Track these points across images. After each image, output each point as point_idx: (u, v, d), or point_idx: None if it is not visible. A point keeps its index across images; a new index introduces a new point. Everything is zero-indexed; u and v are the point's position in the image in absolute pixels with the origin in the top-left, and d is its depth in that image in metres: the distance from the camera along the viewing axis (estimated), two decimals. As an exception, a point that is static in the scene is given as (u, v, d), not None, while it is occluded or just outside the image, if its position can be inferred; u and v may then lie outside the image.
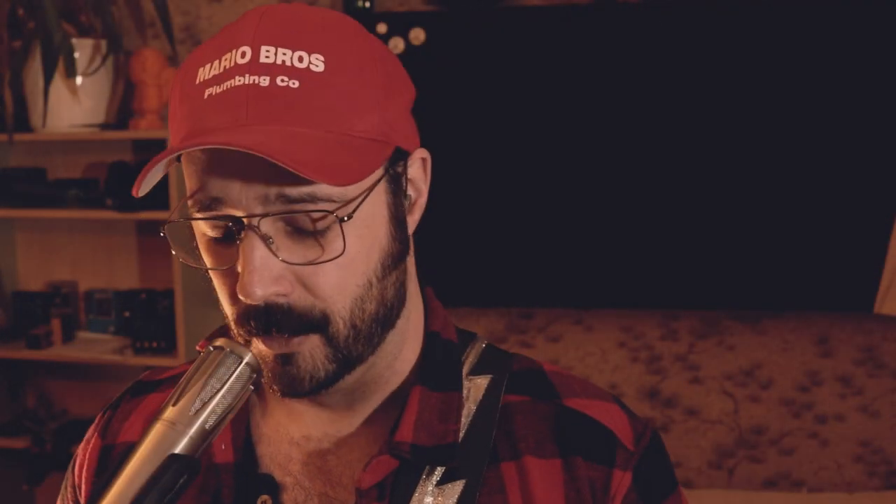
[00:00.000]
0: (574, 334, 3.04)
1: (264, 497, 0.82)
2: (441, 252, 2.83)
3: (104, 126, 2.96)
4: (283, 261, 0.72)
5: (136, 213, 2.84)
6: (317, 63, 0.73)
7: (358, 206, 0.73)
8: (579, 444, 0.82)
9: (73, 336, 3.16)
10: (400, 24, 2.85)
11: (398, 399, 0.83)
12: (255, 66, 0.72)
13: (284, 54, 0.72)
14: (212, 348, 0.73)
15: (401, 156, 0.79)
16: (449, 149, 2.99)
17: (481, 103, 2.86)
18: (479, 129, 2.86)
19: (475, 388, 0.85)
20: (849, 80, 2.68)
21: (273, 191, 0.71)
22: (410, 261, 0.84)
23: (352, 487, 0.80)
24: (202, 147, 0.70)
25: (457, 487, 0.79)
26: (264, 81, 0.72)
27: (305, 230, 0.73)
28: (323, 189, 0.71)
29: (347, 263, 0.74)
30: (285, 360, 0.75)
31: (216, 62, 0.74)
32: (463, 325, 0.91)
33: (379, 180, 0.76)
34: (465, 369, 0.86)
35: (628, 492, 0.81)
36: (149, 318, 3.04)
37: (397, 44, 2.84)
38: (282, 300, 0.73)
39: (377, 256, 0.76)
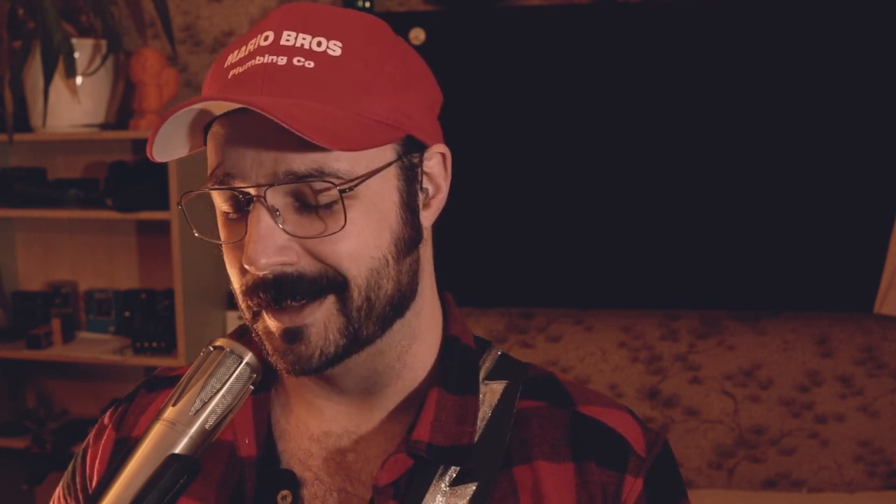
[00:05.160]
0: (574, 334, 3.04)
1: (284, 492, 0.82)
2: (441, 252, 2.82)
3: (104, 126, 2.96)
4: (287, 232, 0.74)
5: (136, 213, 2.84)
6: (334, 48, 0.76)
7: (361, 182, 0.74)
8: (593, 450, 0.83)
9: (73, 336, 3.16)
10: (400, 24, 2.85)
11: (416, 399, 0.84)
12: (275, 48, 0.75)
13: (304, 39, 0.76)
14: (212, 348, 0.73)
15: (416, 147, 0.80)
16: (449, 149, 2.98)
17: (481, 103, 2.86)
18: (479, 130, 2.86)
19: (491, 392, 0.86)
20: (849, 80, 2.68)
21: (282, 167, 0.73)
22: (426, 257, 0.85)
23: (370, 484, 0.81)
24: (202, 102, 0.73)
25: (469, 489, 0.80)
26: (282, 61, 0.75)
27: (312, 205, 0.74)
28: (330, 165, 0.73)
29: (357, 233, 0.75)
30: (293, 336, 0.76)
31: (243, 47, 0.78)
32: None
33: (390, 164, 0.77)
34: (482, 374, 0.87)
35: (639, 498, 0.82)
36: (149, 318, 3.04)
37: (397, 44, 2.84)
38: (290, 269, 0.75)
39: (388, 236, 0.77)
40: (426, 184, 0.82)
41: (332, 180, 0.73)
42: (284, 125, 0.69)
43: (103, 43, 2.86)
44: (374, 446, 0.84)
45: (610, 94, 2.81)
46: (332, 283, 0.75)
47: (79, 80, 2.85)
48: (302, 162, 0.73)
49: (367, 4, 2.89)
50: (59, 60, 2.75)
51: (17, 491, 3.22)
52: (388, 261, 0.77)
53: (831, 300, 2.80)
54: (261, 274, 0.75)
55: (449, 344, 0.86)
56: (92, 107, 2.92)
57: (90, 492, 0.89)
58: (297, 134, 0.69)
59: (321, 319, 0.76)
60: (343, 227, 0.74)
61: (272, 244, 0.73)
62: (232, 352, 0.73)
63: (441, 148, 0.83)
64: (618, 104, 2.81)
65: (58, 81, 2.80)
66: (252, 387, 0.74)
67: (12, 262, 3.34)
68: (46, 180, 3.17)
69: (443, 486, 0.80)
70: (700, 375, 2.98)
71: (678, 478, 0.87)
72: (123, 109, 3.07)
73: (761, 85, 2.72)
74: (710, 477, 3.01)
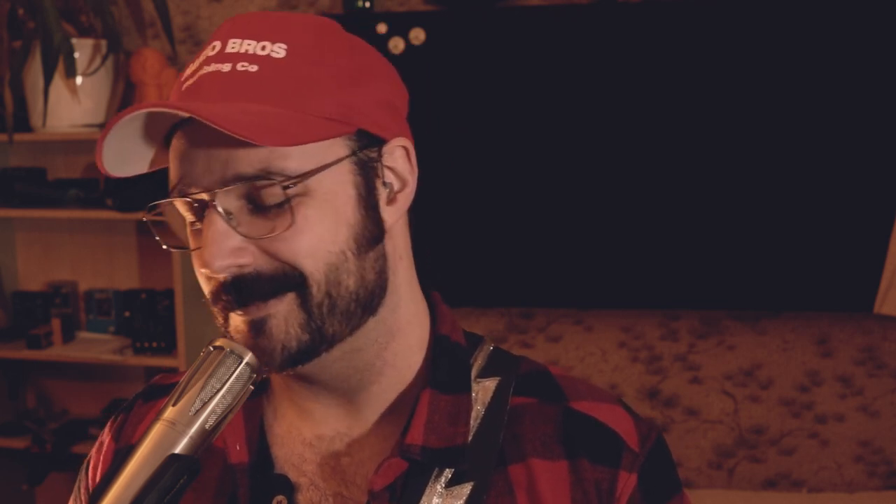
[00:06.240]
0: (574, 334, 3.04)
1: (280, 497, 0.82)
2: (441, 252, 2.83)
3: (104, 126, 2.96)
4: (240, 234, 0.75)
5: (136, 213, 2.84)
6: (278, 51, 0.77)
7: (305, 178, 0.75)
8: (585, 446, 0.82)
9: (73, 336, 3.16)
10: (400, 24, 2.85)
11: (406, 400, 0.84)
12: (221, 56, 0.77)
13: (249, 44, 0.77)
14: (212, 348, 0.74)
15: (373, 142, 0.80)
16: (449, 149, 3.00)
17: (481, 103, 2.86)
18: (479, 129, 2.86)
19: (483, 390, 0.85)
20: (849, 80, 2.68)
21: (230, 171, 0.74)
22: (397, 252, 0.83)
23: (365, 487, 0.81)
24: (135, 111, 0.75)
25: (465, 490, 0.80)
26: (226, 68, 0.76)
27: (264, 206, 0.75)
28: (276, 164, 0.74)
29: (309, 230, 0.75)
30: (258, 329, 0.76)
31: (196, 60, 0.79)
32: (463, 326, 0.91)
33: (341, 159, 0.77)
34: (474, 372, 0.87)
35: (633, 493, 0.81)
36: (149, 318, 3.04)
37: (397, 44, 2.84)
38: (247, 270, 0.76)
39: (346, 231, 0.77)
40: (389, 178, 0.81)
41: (277, 178, 0.74)
42: (215, 126, 0.70)
43: (103, 43, 2.86)
44: (367, 449, 0.84)
45: (610, 94, 2.81)
46: (290, 279, 0.76)
47: (79, 80, 2.85)
48: (249, 164, 0.74)
49: (367, 5, 2.89)
50: (59, 60, 2.75)
51: (17, 491, 3.22)
52: (346, 256, 0.77)
53: (831, 300, 2.80)
54: (220, 277, 0.76)
55: (438, 343, 0.86)
56: (92, 107, 2.92)
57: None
58: (227, 133, 0.70)
59: (282, 312, 0.76)
60: (291, 224, 0.75)
61: (226, 247, 0.75)
62: (232, 352, 0.73)
63: (402, 142, 0.82)
64: (618, 104, 2.81)
65: (58, 81, 2.80)
66: (252, 387, 0.74)
67: (12, 262, 3.34)
68: (46, 180, 3.17)
69: (438, 487, 0.80)
70: (700, 375, 2.98)
71: (673, 470, 0.87)
72: (123, 109, 3.07)
73: (761, 85, 2.72)
74: (710, 477, 3.01)
